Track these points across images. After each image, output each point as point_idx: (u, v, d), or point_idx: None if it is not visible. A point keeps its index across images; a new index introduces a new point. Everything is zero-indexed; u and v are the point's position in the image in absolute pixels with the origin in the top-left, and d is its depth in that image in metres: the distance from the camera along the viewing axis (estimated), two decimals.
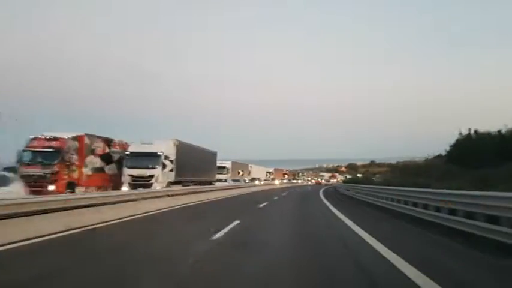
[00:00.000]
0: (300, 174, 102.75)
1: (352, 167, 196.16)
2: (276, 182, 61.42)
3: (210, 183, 33.62)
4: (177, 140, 26.87)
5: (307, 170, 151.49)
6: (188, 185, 26.95)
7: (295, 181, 78.05)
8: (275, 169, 72.07)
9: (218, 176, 38.45)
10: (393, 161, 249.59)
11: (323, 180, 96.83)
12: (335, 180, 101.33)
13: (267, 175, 63.66)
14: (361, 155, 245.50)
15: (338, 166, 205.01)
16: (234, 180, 41.77)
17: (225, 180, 40.57)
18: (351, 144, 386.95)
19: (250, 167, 56.78)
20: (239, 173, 50.26)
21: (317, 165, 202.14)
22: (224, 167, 44.34)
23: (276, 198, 25.64)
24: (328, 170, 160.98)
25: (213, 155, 37.47)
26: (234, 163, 49.08)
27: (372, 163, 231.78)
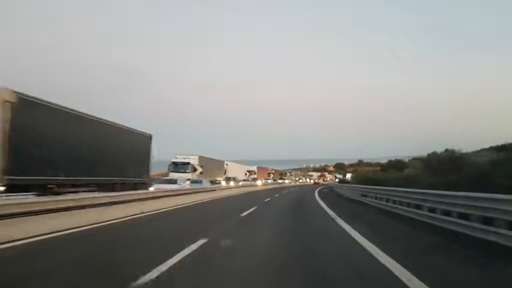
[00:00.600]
0: (288, 174, 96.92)
1: (340, 167, 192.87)
2: (259, 182, 51.66)
3: (135, 186, 21.40)
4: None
5: (295, 170, 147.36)
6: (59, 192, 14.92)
7: (281, 181, 70.25)
8: (258, 167, 63.13)
9: (177, 176, 29.02)
10: (381, 161, 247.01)
11: (320, 180, 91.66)
12: (328, 180, 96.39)
13: (246, 174, 54.39)
14: (349, 155, 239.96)
15: (326, 166, 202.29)
16: (193, 182, 29.58)
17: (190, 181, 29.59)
18: (338, 144, 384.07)
19: (226, 164, 47.22)
20: (199, 172, 36.77)
21: (304, 165, 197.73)
22: (187, 164, 34.65)
23: (243, 214, 13.75)
24: (315, 170, 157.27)
25: (143, 139, 24.38)
26: (202, 158, 38.07)
27: (360, 162, 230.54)
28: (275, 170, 79.44)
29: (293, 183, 74.74)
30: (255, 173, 58.64)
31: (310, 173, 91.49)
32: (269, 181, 59.32)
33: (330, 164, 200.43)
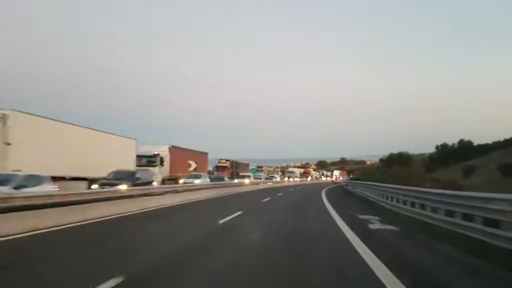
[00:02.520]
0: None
1: (322, 165, 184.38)
2: (197, 181, 36.27)
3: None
4: None
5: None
6: None
7: (237, 181, 54.54)
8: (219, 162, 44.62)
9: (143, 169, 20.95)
10: (363, 158, 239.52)
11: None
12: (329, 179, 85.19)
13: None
14: (330, 154, 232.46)
15: (307, 164, 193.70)
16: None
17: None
18: (319, 143, 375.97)
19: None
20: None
21: (285, 164, 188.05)
22: (154, 156, 25.73)
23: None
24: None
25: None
26: (174, 149, 28.54)
27: (343, 160, 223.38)
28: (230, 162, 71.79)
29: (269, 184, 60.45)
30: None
31: (291, 169, 79.16)
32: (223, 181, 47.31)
33: (311, 163, 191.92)
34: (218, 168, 39.48)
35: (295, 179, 67.03)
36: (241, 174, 42.02)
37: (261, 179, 45.01)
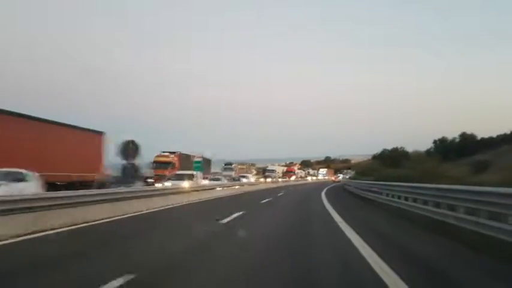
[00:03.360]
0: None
1: (306, 164, 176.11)
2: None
3: None
4: None
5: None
6: None
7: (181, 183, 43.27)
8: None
9: None
10: (348, 157, 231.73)
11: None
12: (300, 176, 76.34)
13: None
14: (314, 153, 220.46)
15: (290, 163, 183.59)
16: None
17: None
18: (302, 143, 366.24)
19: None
20: None
21: (267, 164, 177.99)
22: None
23: None
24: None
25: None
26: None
27: (328, 159, 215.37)
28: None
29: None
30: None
31: (272, 167, 66.97)
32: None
33: (295, 162, 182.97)
34: (158, 164, 27.62)
35: (278, 179, 55.81)
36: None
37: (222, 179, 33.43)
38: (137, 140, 18.08)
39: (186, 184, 19.50)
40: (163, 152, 30.60)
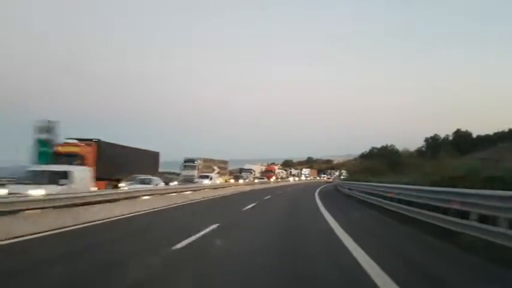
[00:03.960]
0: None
1: (288, 164, 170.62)
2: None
3: None
4: None
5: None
6: None
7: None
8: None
9: None
10: (330, 158, 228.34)
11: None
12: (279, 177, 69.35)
13: None
14: (296, 154, 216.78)
15: (272, 164, 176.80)
16: None
17: None
18: (283, 144, 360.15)
19: None
20: None
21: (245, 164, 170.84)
22: None
23: None
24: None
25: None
26: None
27: (310, 159, 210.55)
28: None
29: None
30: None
31: (249, 166, 58.70)
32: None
33: (277, 162, 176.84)
34: (59, 156, 18.48)
35: (253, 180, 47.66)
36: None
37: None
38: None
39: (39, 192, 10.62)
40: (70, 139, 21.51)
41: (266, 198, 21.71)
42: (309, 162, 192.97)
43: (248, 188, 32.89)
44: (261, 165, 69.23)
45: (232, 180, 39.87)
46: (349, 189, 25.39)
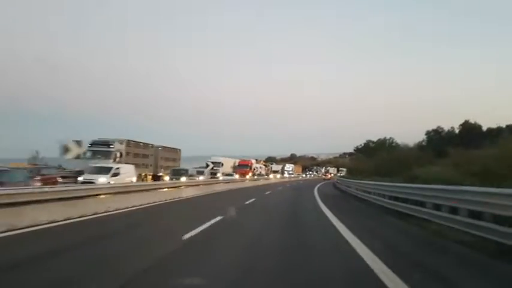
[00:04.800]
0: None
1: (271, 161, 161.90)
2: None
3: None
4: None
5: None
6: None
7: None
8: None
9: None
10: (313, 155, 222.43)
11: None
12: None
13: None
14: (279, 151, 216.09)
15: (256, 160, 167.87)
16: None
17: None
18: (266, 141, 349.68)
19: None
20: None
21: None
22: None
23: None
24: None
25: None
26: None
27: (293, 156, 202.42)
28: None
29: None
30: None
31: (216, 159, 46.55)
32: None
33: (259, 159, 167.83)
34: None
35: (221, 176, 35.94)
36: None
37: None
38: None
39: None
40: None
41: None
42: (293, 159, 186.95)
43: (200, 191, 21.29)
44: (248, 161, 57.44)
45: (167, 179, 27.58)
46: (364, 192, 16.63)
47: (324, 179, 68.93)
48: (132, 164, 23.58)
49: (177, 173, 28.61)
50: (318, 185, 39.92)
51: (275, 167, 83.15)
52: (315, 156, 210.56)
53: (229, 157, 53.04)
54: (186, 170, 30.14)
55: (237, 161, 54.38)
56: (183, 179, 25.39)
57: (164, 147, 35.77)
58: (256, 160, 75.72)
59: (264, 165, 75.95)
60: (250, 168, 53.87)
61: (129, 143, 28.37)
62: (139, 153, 29.08)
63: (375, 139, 76.20)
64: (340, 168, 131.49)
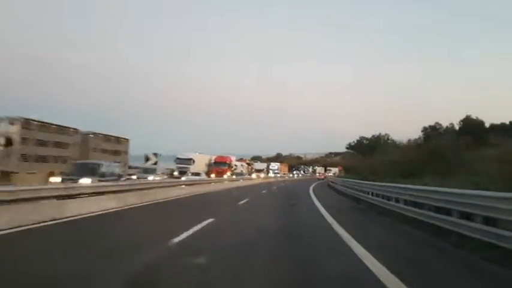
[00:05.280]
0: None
1: (256, 160, 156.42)
2: None
3: None
4: None
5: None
6: None
7: None
8: None
9: None
10: (299, 154, 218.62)
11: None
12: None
13: None
14: (264, 151, 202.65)
15: (241, 159, 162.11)
16: None
17: None
18: (252, 140, 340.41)
19: None
20: None
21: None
22: None
23: None
24: None
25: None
26: None
27: (279, 156, 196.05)
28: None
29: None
30: None
31: (185, 155, 38.66)
32: None
33: (245, 158, 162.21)
34: None
35: (183, 177, 28.11)
36: None
37: None
38: None
39: None
40: None
41: None
42: (279, 158, 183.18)
43: (93, 206, 11.92)
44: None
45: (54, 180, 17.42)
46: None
47: (318, 179, 63.37)
48: (34, 155, 15.35)
49: (81, 171, 16.81)
50: (312, 187, 32.61)
51: (258, 165, 74.48)
52: (301, 156, 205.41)
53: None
54: (98, 165, 17.49)
55: (214, 157, 46.79)
56: (87, 181, 15.24)
57: (98, 134, 26.59)
58: (242, 159, 67.33)
59: (247, 163, 67.99)
60: (229, 167, 46.08)
61: (28, 123, 19.71)
62: (47, 140, 20.33)
63: (367, 137, 70.29)
64: (328, 168, 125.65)
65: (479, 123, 60.99)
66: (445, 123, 65.62)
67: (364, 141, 67.50)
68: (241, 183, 36.66)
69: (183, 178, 27.33)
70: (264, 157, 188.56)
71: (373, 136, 67.26)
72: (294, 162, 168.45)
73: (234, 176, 42.67)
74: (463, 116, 61.90)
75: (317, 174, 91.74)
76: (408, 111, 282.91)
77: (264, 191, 25.74)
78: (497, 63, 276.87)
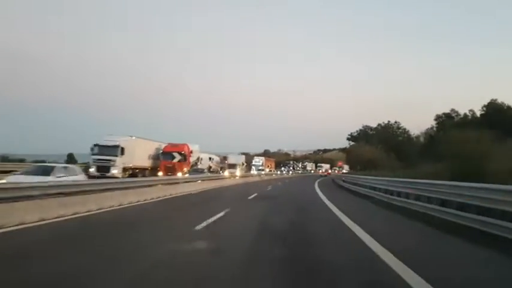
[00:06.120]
0: None
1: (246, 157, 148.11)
2: None
3: None
4: None
5: None
6: None
7: None
8: None
9: None
10: (285, 151, 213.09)
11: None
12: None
13: None
14: (253, 147, 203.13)
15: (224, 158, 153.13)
16: None
17: None
18: (240, 137, 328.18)
19: None
20: None
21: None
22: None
23: None
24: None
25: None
26: None
27: (267, 152, 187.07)
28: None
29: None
30: None
31: (109, 139, 25.48)
32: None
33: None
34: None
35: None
36: None
37: None
38: None
39: None
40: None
41: None
42: (267, 155, 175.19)
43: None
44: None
45: None
46: None
47: (321, 175, 64.57)
48: None
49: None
50: (322, 196, 20.03)
51: (233, 158, 57.47)
52: (289, 152, 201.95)
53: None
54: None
55: (163, 145, 32.74)
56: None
57: None
58: (225, 157, 52.71)
59: (224, 157, 53.91)
60: (185, 160, 32.17)
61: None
62: None
63: (371, 126, 58.32)
64: (319, 164, 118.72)
65: (505, 109, 48.38)
66: (462, 110, 53.60)
67: (369, 131, 54.70)
68: (199, 186, 23.38)
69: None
70: (252, 153, 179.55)
71: (379, 125, 54.62)
72: (283, 158, 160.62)
73: (186, 175, 27.96)
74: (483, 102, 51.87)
75: (320, 171, 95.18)
76: (410, 101, 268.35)
77: (226, 212, 11.53)
78: None
